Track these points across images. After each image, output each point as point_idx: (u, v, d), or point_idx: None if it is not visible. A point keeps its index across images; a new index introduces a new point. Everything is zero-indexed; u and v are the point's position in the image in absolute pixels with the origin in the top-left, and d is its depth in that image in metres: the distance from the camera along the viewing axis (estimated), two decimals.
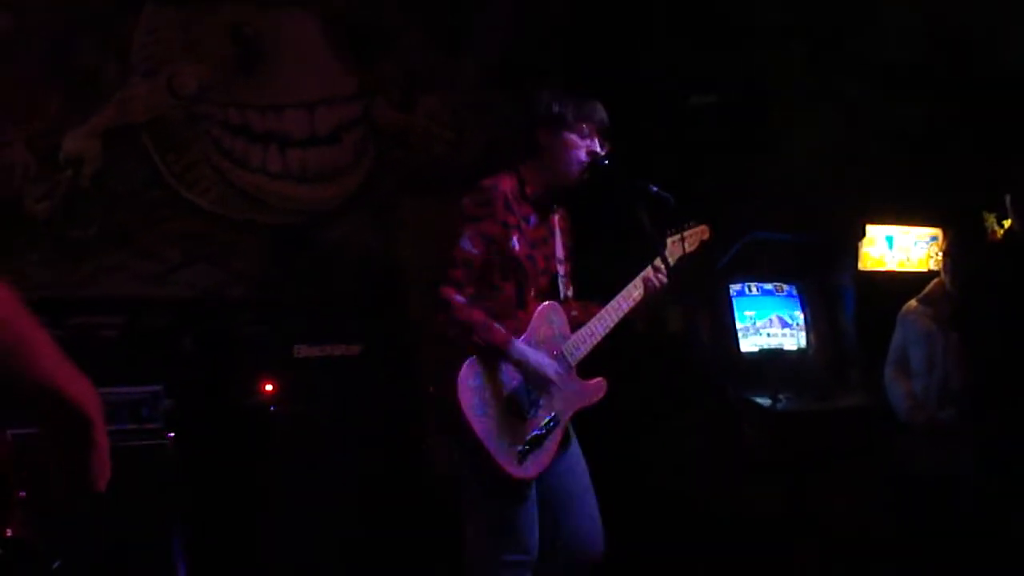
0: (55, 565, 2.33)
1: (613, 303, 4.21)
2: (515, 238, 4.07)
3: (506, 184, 4.11)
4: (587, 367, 4.25)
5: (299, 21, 6.24)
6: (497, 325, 3.96)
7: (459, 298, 3.96)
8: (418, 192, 6.48)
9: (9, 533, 1.98)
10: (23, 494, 2.01)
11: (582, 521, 4.22)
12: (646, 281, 4.22)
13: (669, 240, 4.34)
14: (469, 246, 4.01)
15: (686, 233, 4.40)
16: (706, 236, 4.47)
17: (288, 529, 5.22)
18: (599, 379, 4.26)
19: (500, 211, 4.05)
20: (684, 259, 4.38)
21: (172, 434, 4.94)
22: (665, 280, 4.20)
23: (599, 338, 4.20)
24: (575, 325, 4.23)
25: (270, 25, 6.13)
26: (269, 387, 5.35)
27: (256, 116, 6.11)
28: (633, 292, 4.22)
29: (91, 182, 5.69)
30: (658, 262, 4.18)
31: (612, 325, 4.21)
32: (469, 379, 3.93)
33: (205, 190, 5.97)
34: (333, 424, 5.39)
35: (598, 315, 4.19)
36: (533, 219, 4.16)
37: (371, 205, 6.43)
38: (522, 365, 3.99)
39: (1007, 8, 6.27)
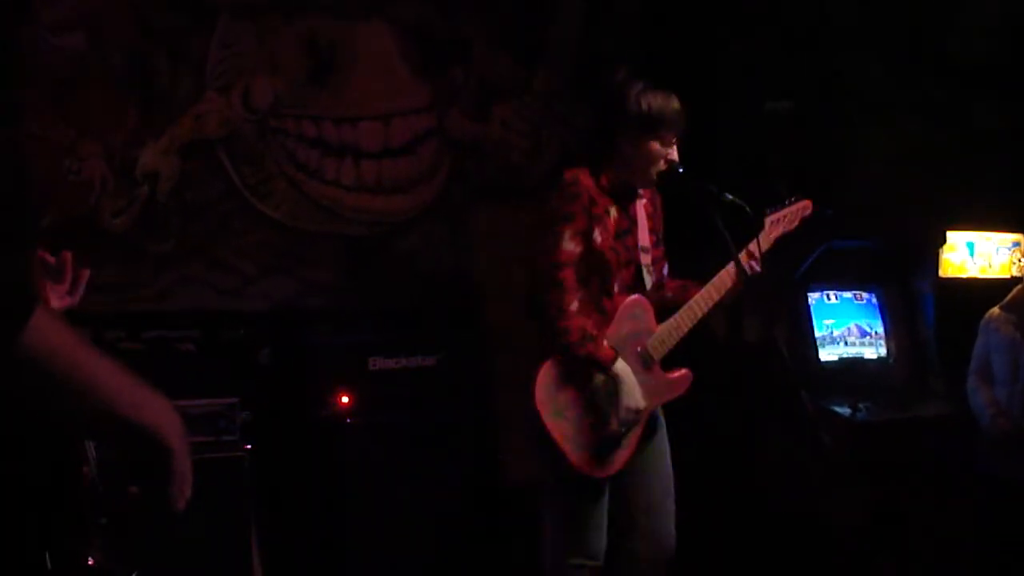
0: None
1: (703, 292, 4.17)
2: (597, 231, 4.05)
3: (586, 178, 4.09)
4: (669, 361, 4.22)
5: (373, 32, 6.23)
6: (604, 341, 3.96)
7: (574, 306, 3.95)
8: (493, 202, 6.47)
9: (91, 562, 1.98)
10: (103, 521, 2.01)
11: (664, 521, 4.21)
12: (723, 281, 4.17)
13: (768, 219, 4.29)
14: (571, 245, 3.99)
15: (787, 210, 4.36)
16: (808, 212, 4.43)
17: (364, 541, 5.22)
18: (684, 371, 4.23)
19: (587, 204, 4.03)
20: (786, 237, 4.36)
21: (249, 446, 4.96)
22: (758, 268, 4.15)
23: (685, 332, 4.17)
24: (668, 308, 4.19)
25: (344, 36, 6.14)
26: (345, 399, 5.35)
27: (331, 128, 6.12)
28: (727, 280, 4.17)
29: (168, 196, 5.73)
30: (752, 247, 4.15)
31: (700, 317, 4.17)
32: (547, 381, 3.95)
33: (280, 203, 5.99)
34: (409, 436, 5.38)
35: (685, 306, 4.16)
36: (613, 210, 4.13)
37: (446, 215, 6.42)
38: (618, 380, 3.97)
39: None
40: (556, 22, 6.81)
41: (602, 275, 4.08)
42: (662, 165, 4.10)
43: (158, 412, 1.78)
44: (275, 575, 4.95)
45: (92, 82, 5.63)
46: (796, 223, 4.41)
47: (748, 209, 4.00)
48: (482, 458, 5.60)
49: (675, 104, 4.10)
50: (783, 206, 4.37)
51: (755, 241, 4.16)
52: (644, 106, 4.06)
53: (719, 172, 4.19)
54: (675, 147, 4.12)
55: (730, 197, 4.02)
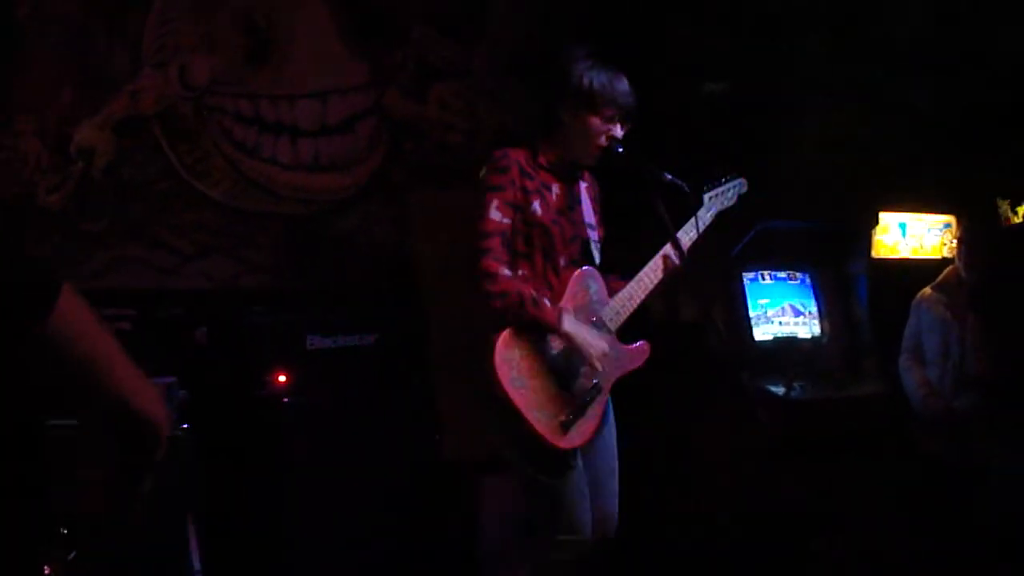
0: (70, 556, 2.34)
1: (652, 264, 4.22)
2: (536, 203, 4.06)
3: (517, 153, 4.11)
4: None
5: (311, 10, 6.21)
6: (546, 300, 3.96)
7: (505, 270, 3.95)
8: (431, 182, 6.47)
9: (47, 572, 2.01)
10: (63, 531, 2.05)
11: (607, 499, 4.23)
12: (665, 258, 4.21)
13: (707, 195, 4.36)
14: (499, 216, 4.00)
15: (723, 187, 4.44)
16: (744, 189, 4.53)
17: (302, 519, 5.21)
18: (642, 343, 4.25)
19: (517, 177, 4.04)
20: (723, 214, 4.44)
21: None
22: (678, 263, 4.19)
23: (638, 303, 4.20)
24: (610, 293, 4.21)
25: (282, 14, 6.11)
26: (282, 378, 5.33)
27: (268, 106, 6.10)
28: (672, 256, 4.22)
29: (103, 174, 5.68)
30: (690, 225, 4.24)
31: (651, 288, 4.21)
32: (505, 352, 3.92)
33: (217, 181, 5.95)
34: (347, 414, 5.37)
35: (636, 278, 4.19)
36: (555, 187, 4.15)
37: (384, 195, 6.41)
38: (570, 340, 3.97)
39: None
40: (493, 1, 6.82)
41: (546, 249, 4.09)
42: (602, 141, 4.13)
43: (154, 401, 1.92)
44: (213, 555, 4.92)
45: (28, 55, 5.56)
46: (734, 200, 4.50)
47: (687, 188, 4.05)
48: (420, 436, 5.60)
49: (621, 83, 4.14)
50: (719, 183, 4.44)
51: (694, 218, 4.22)
52: (587, 81, 4.09)
53: (657, 153, 4.21)
54: (618, 126, 4.15)
55: (669, 177, 4.06)
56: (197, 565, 4.79)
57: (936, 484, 5.67)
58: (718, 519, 5.66)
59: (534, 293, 3.95)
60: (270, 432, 5.26)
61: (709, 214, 4.37)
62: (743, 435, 5.51)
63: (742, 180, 4.53)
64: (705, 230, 4.28)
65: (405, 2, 6.54)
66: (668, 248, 4.22)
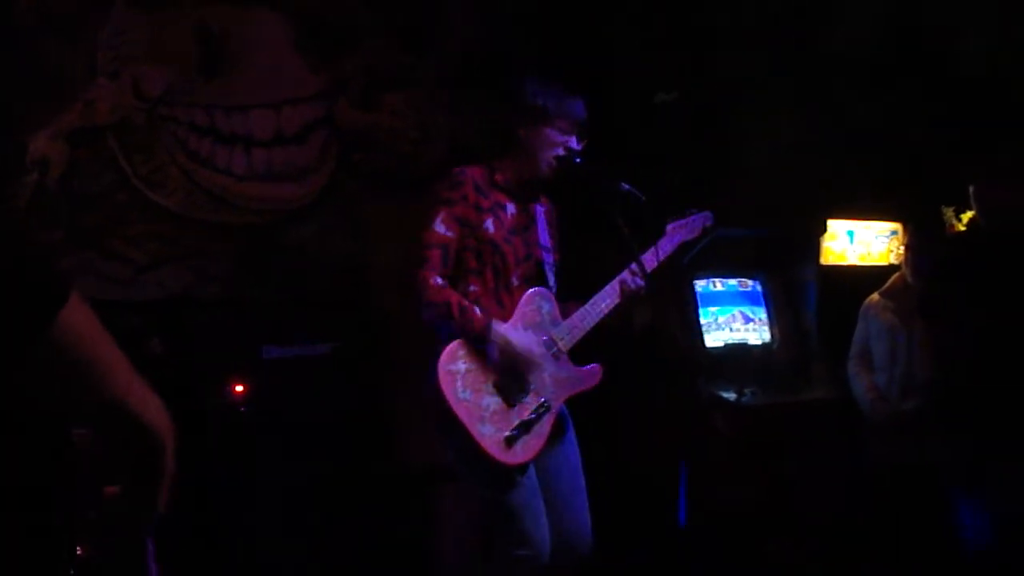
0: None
1: (608, 288, 4.26)
2: (489, 221, 4.09)
3: (475, 171, 4.15)
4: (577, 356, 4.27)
5: (264, 20, 6.22)
6: (476, 308, 3.97)
7: (437, 280, 3.96)
8: (383, 191, 6.49)
9: (80, 552, 1.98)
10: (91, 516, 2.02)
11: (576, 518, 4.23)
12: (622, 283, 4.26)
13: (670, 226, 4.41)
14: (443, 229, 4.03)
15: (689, 219, 4.51)
16: (709, 223, 4.60)
17: (259, 529, 5.22)
18: (594, 365, 4.27)
19: (471, 194, 4.08)
20: (686, 245, 4.52)
21: None
22: (641, 284, 4.24)
23: (591, 325, 4.22)
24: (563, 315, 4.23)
25: (236, 25, 6.11)
26: (239, 388, 5.34)
27: (223, 117, 6.09)
28: (628, 282, 4.26)
29: (57, 184, 5.65)
30: (635, 265, 4.24)
31: (605, 312, 4.24)
32: (450, 364, 3.92)
33: (172, 191, 5.94)
34: (303, 424, 5.38)
35: (591, 300, 4.23)
36: (510, 207, 4.19)
37: (337, 205, 6.42)
38: (505, 347, 3.97)
39: (961, 3, 6.35)
40: (444, 12, 6.85)
41: (497, 267, 4.12)
42: (560, 152, 4.17)
43: (157, 411, 1.86)
44: (169, 564, 4.92)
45: None
46: (699, 232, 4.57)
47: (643, 198, 4.09)
48: (377, 445, 5.62)
49: (572, 97, 4.20)
50: (684, 216, 4.50)
51: (654, 247, 4.29)
52: (540, 95, 4.15)
53: (610, 163, 4.26)
54: (574, 138, 4.20)
55: (627, 187, 4.11)
56: (154, 574, 4.78)
57: (885, 488, 5.74)
58: (674, 526, 5.73)
59: (464, 302, 3.97)
60: (227, 442, 5.26)
61: (672, 243, 4.43)
62: (697, 440, 5.57)
63: (708, 213, 4.61)
64: (666, 259, 4.34)
65: (356, 12, 6.56)
66: (626, 273, 4.26)
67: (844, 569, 5.76)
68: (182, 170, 5.97)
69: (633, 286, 4.24)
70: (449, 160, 6.38)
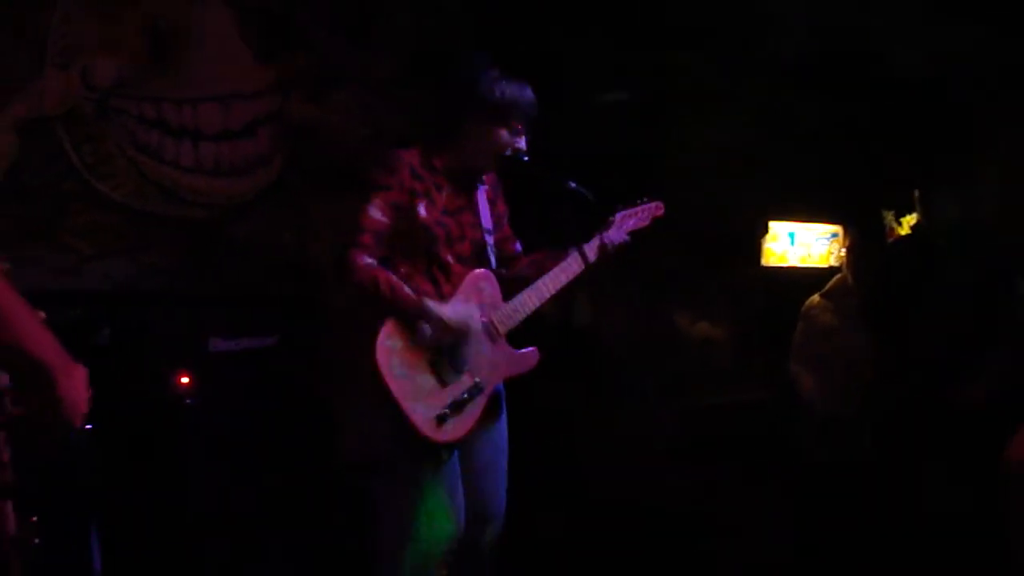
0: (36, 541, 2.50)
1: (551, 274, 4.28)
2: (422, 205, 4.11)
3: (411, 154, 4.15)
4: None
5: (214, 13, 6.22)
6: (406, 287, 3.99)
7: (364, 258, 3.97)
8: (331, 187, 6.52)
9: None
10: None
11: (490, 497, 4.28)
12: (566, 267, 4.30)
13: (619, 214, 4.45)
14: (378, 214, 4.04)
15: (638, 208, 4.53)
16: (660, 212, 4.62)
17: (203, 520, 5.24)
18: (531, 348, 4.30)
19: (407, 179, 4.09)
20: (636, 233, 4.50)
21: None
22: (583, 267, 4.29)
23: (531, 310, 4.26)
24: (521, 285, 4.29)
25: (186, 18, 6.11)
26: (185, 380, 5.34)
27: (172, 109, 6.10)
28: (574, 266, 4.29)
29: (5, 175, 5.64)
30: (596, 240, 4.30)
31: (546, 297, 4.26)
32: (387, 340, 3.94)
33: (120, 183, 5.93)
34: (249, 416, 5.40)
35: (532, 286, 4.25)
36: (446, 188, 4.20)
37: (284, 199, 6.45)
38: (438, 323, 4.00)
39: (901, 9, 6.45)
40: (391, 9, 6.89)
41: (429, 248, 4.13)
42: (507, 152, 4.19)
43: (47, 348, 2.21)
44: (114, 556, 4.93)
45: None
46: (648, 221, 4.59)
47: (591, 197, 4.12)
48: (319, 437, 5.65)
49: (529, 94, 4.21)
50: (635, 204, 4.54)
51: (599, 234, 4.32)
52: (498, 93, 4.14)
53: (553, 162, 4.29)
54: (523, 137, 4.24)
55: (573, 185, 4.15)
56: (98, 566, 4.80)
57: (821, 487, 5.82)
58: (612, 523, 5.80)
59: (394, 279, 3.97)
60: (172, 434, 5.27)
61: (620, 231, 4.43)
62: (637, 438, 5.63)
63: (658, 203, 4.62)
64: (620, 245, 4.38)
65: (304, 7, 6.58)
66: (575, 256, 4.29)
67: (776, 570, 5.84)
68: (131, 162, 5.97)
69: (577, 269, 4.28)
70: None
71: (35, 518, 2.32)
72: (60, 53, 5.78)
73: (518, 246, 4.54)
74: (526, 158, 4.21)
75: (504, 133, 4.17)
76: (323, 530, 5.53)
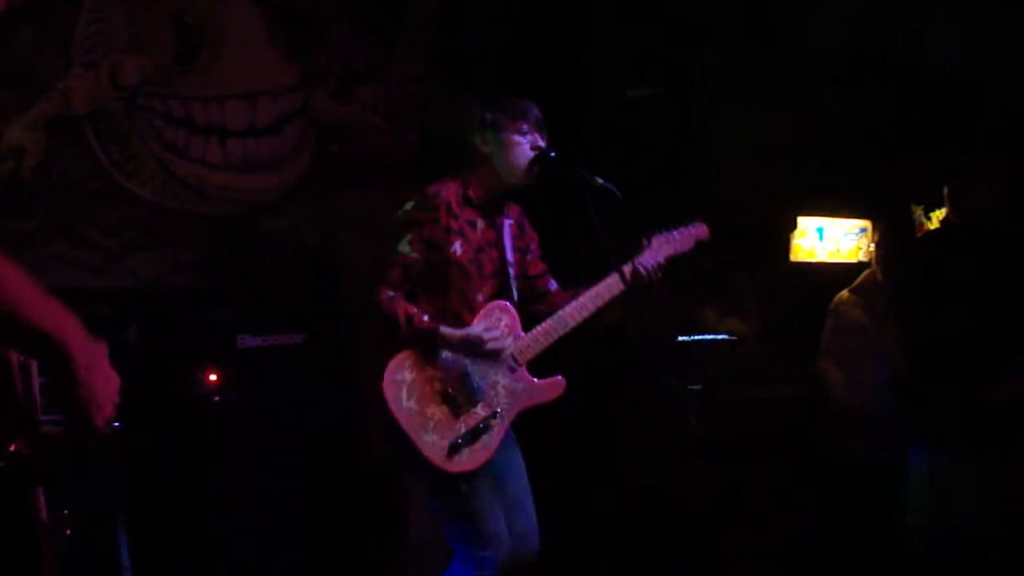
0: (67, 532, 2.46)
1: (578, 303, 4.23)
2: (457, 244, 4.11)
3: (450, 190, 4.15)
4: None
5: (241, 11, 6.26)
6: (425, 317, 4.00)
7: (388, 293, 3.98)
8: (355, 184, 6.53)
9: (12, 448, 2.08)
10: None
11: (527, 520, 4.26)
12: (594, 299, 4.24)
13: (655, 239, 4.36)
14: (408, 249, 4.05)
15: (678, 232, 4.44)
16: (704, 235, 4.52)
17: (231, 518, 5.24)
18: (556, 377, 4.27)
19: (443, 216, 4.09)
20: (674, 258, 4.41)
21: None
22: (637, 280, 4.24)
23: (553, 340, 4.22)
24: (543, 317, 4.25)
25: (212, 15, 6.14)
26: (213, 377, 5.36)
27: (198, 107, 6.12)
28: (603, 294, 4.23)
29: (33, 173, 5.66)
30: (628, 266, 4.21)
31: (570, 327, 4.22)
32: (396, 374, 3.97)
33: (147, 181, 5.96)
34: (276, 412, 5.41)
35: (557, 315, 4.21)
36: (480, 223, 4.21)
37: (310, 196, 6.47)
38: (458, 346, 4.03)
39: (932, 3, 6.40)
40: (415, 7, 6.88)
41: (462, 287, 4.15)
42: (529, 151, 4.20)
43: (61, 323, 2.01)
44: (143, 553, 4.94)
45: None
46: (691, 245, 4.49)
47: (618, 193, 4.07)
48: (348, 434, 5.65)
49: (518, 99, 4.25)
50: (673, 228, 4.45)
51: (631, 262, 4.24)
52: (490, 104, 4.21)
53: (580, 159, 4.26)
54: (538, 135, 4.22)
55: (600, 181, 4.09)
56: (127, 563, 4.81)
57: (853, 484, 5.78)
58: (639, 519, 5.78)
59: (411, 310, 3.98)
60: (201, 430, 5.28)
61: (656, 256, 4.33)
62: (667, 435, 5.60)
63: (701, 225, 4.53)
64: (657, 270, 4.29)
65: (328, 6, 6.59)
66: (606, 283, 4.24)
67: (805, 565, 5.81)
68: (157, 160, 6.00)
69: (607, 296, 4.23)
70: (419, 155, 6.46)
71: (66, 511, 2.27)
72: (87, 52, 5.81)
73: (552, 284, 4.50)
74: (552, 154, 4.18)
75: (515, 137, 4.16)
76: (351, 527, 5.53)
